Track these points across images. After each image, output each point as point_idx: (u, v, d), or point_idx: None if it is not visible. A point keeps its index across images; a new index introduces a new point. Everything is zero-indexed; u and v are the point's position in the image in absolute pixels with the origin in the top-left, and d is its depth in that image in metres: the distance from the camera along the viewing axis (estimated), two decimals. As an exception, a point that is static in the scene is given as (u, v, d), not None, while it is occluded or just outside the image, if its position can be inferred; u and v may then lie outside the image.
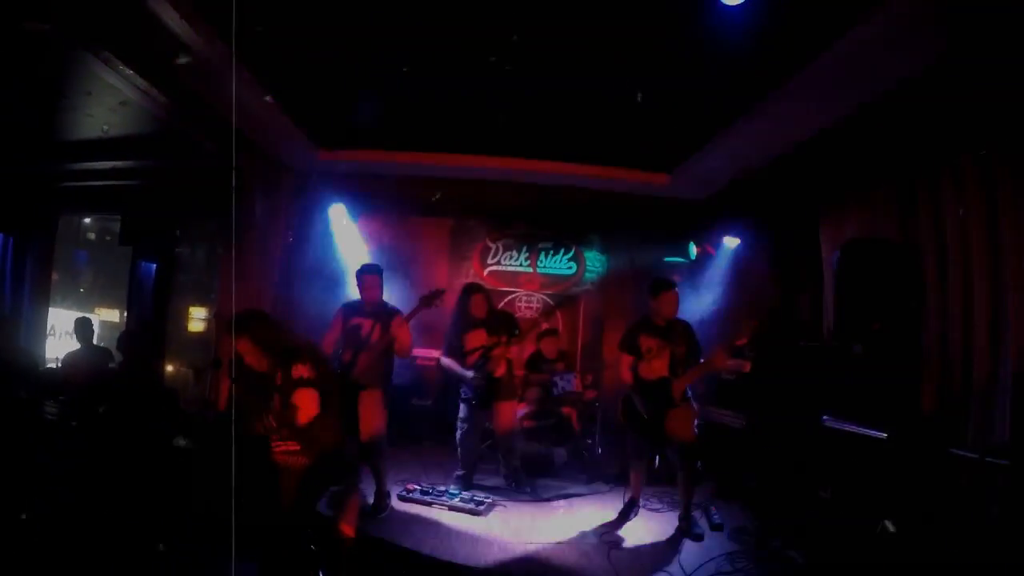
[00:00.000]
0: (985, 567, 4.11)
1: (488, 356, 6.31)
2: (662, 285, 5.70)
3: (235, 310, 3.97)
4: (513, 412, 6.61)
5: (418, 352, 7.62)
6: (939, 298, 5.54)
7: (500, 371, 6.34)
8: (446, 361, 6.46)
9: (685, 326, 5.74)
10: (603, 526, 5.68)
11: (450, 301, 6.34)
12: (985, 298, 5.15)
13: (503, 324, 6.48)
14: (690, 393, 5.61)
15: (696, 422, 5.62)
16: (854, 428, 5.26)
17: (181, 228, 9.32)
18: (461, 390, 6.51)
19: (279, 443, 4.00)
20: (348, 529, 4.46)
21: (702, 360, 5.60)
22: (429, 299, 5.72)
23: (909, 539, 4.52)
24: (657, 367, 5.56)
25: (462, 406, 6.48)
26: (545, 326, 8.17)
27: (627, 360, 5.73)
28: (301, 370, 3.93)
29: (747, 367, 6.61)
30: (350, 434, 5.07)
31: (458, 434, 6.48)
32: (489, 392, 6.32)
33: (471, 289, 6.51)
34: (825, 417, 5.55)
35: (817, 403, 5.68)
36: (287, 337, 4.17)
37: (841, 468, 5.29)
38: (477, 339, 6.40)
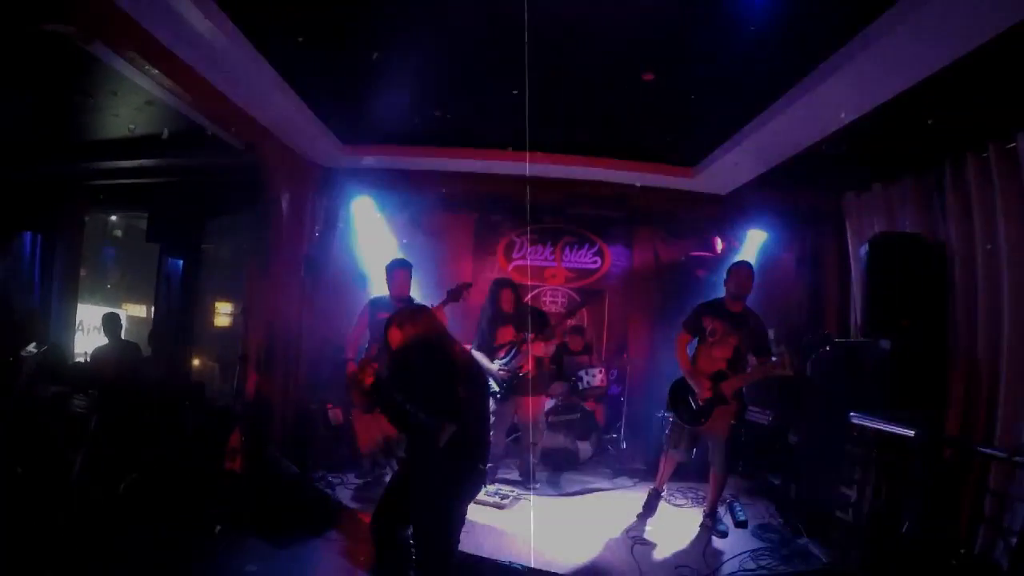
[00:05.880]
0: (1014, 569, 4.06)
1: (517, 351, 6.31)
2: (736, 263, 5.57)
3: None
4: (538, 406, 6.61)
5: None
6: (967, 292, 5.44)
7: (527, 367, 6.34)
8: (476, 355, 6.46)
9: (758, 321, 5.56)
10: (627, 521, 5.68)
11: (475, 295, 6.33)
12: (1014, 292, 5.03)
13: (532, 320, 6.47)
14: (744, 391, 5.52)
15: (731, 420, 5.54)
16: (882, 425, 5.20)
17: (207, 224, 9.41)
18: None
19: None
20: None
21: (773, 359, 5.43)
22: (456, 293, 5.77)
23: (937, 539, 4.47)
24: (718, 355, 5.42)
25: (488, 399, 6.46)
26: (572, 323, 8.14)
27: (684, 339, 5.56)
28: None
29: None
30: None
31: None
32: (514, 386, 6.33)
33: (500, 284, 6.53)
34: (853, 414, 5.50)
35: (845, 399, 5.62)
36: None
37: (868, 465, 5.23)
38: (506, 334, 6.41)
